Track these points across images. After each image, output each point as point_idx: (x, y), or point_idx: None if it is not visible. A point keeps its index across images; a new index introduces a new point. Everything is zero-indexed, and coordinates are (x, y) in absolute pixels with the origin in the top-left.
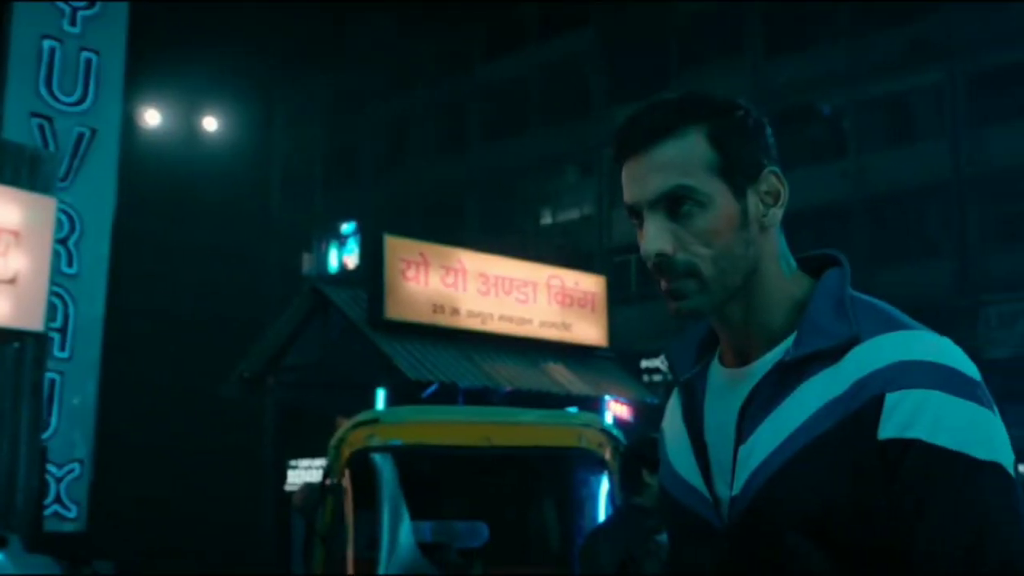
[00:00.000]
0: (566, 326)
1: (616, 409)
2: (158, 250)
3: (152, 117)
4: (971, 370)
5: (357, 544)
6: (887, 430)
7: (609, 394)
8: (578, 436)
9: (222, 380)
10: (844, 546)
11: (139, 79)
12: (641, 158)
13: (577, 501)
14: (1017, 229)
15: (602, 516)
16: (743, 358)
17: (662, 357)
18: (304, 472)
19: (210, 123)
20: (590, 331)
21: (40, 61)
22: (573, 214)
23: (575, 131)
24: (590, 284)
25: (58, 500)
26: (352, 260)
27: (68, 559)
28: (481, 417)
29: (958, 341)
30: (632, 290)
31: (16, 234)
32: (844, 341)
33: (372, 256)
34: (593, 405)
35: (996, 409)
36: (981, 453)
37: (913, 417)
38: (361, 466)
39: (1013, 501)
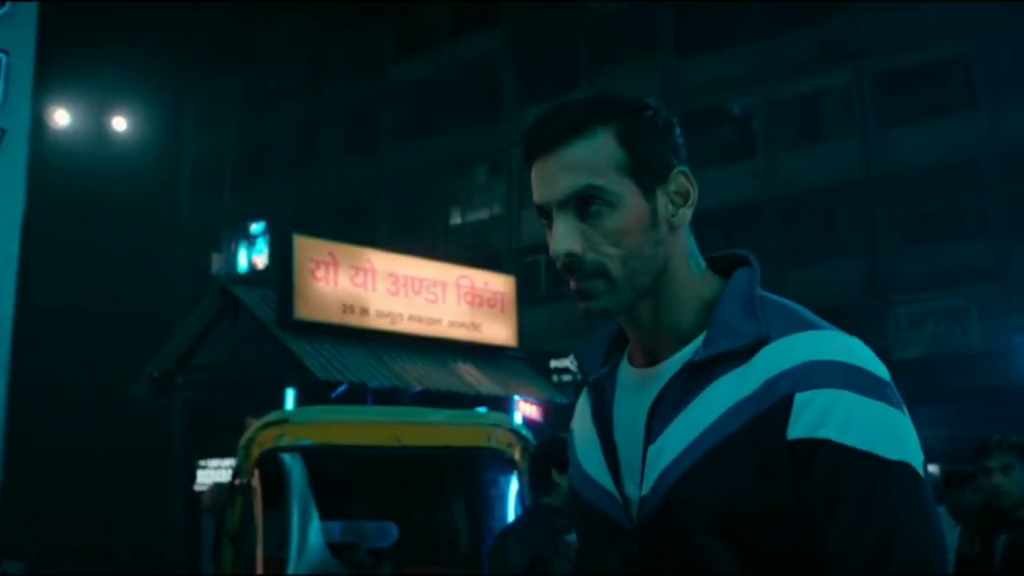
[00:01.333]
0: (475, 326)
1: (525, 409)
2: (68, 250)
3: (62, 117)
4: (881, 370)
5: (266, 544)
6: (797, 430)
7: (518, 394)
8: (487, 436)
9: (132, 380)
10: (753, 546)
11: (48, 79)
12: (550, 158)
13: (487, 501)
14: (926, 229)
15: (511, 516)
16: (652, 358)
17: (571, 357)
18: (214, 472)
19: (119, 123)
20: (499, 331)
21: None
22: (483, 214)
23: (486, 131)
24: (499, 284)
25: None
26: (261, 260)
27: None
28: (390, 417)
29: (868, 341)
30: (541, 290)
31: None
32: (754, 341)
33: (281, 256)
34: (502, 405)
35: (906, 409)
36: (890, 453)
37: (823, 417)
38: (270, 466)
39: (922, 501)
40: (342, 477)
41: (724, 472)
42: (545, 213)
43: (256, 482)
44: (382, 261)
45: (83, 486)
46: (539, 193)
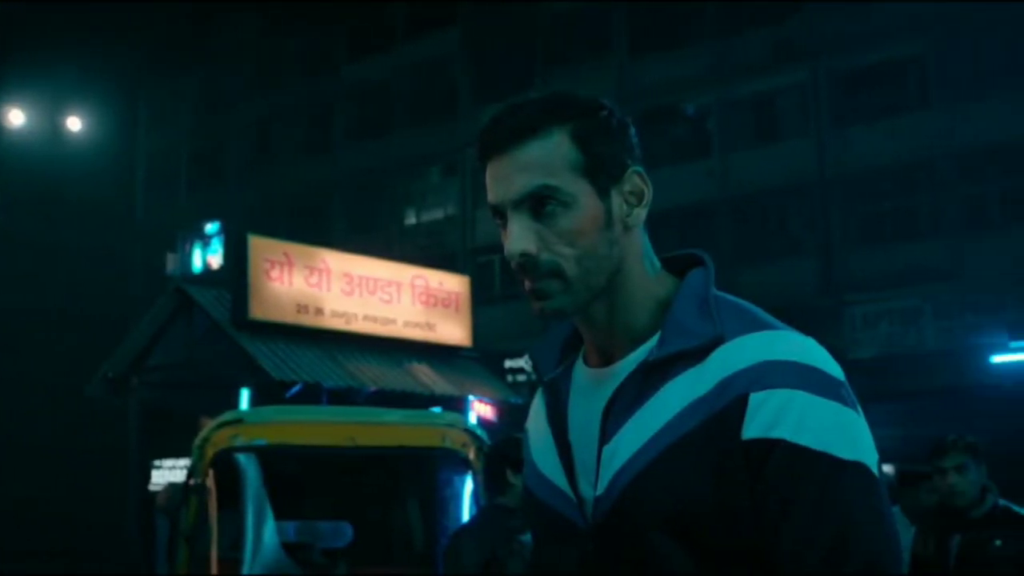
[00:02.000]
0: (430, 326)
1: (480, 409)
2: (22, 249)
3: (16, 117)
4: (835, 370)
5: (221, 544)
6: (751, 430)
7: (473, 394)
8: (442, 436)
9: (87, 380)
10: (708, 546)
11: (2, 79)
12: (505, 158)
13: (441, 501)
14: (881, 229)
15: (466, 516)
16: (607, 358)
17: (526, 357)
18: (168, 472)
19: (74, 123)
20: (454, 331)
21: None
22: (437, 214)
23: (441, 131)
24: (454, 284)
25: None
26: (216, 260)
27: None
28: (345, 417)
29: (822, 341)
30: (496, 290)
31: None
32: (708, 341)
33: (236, 256)
34: (457, 405)
35: (860, 409)
36: (845, 453)
37: (777, 417)
38: (225, 466)
39: (876, 501)
40: (297, 477)
41: (678, 472)
42: (500, 213)
43: (211, 482)
44: (337, 261)
45: (40, 486)
46: (494, 193)
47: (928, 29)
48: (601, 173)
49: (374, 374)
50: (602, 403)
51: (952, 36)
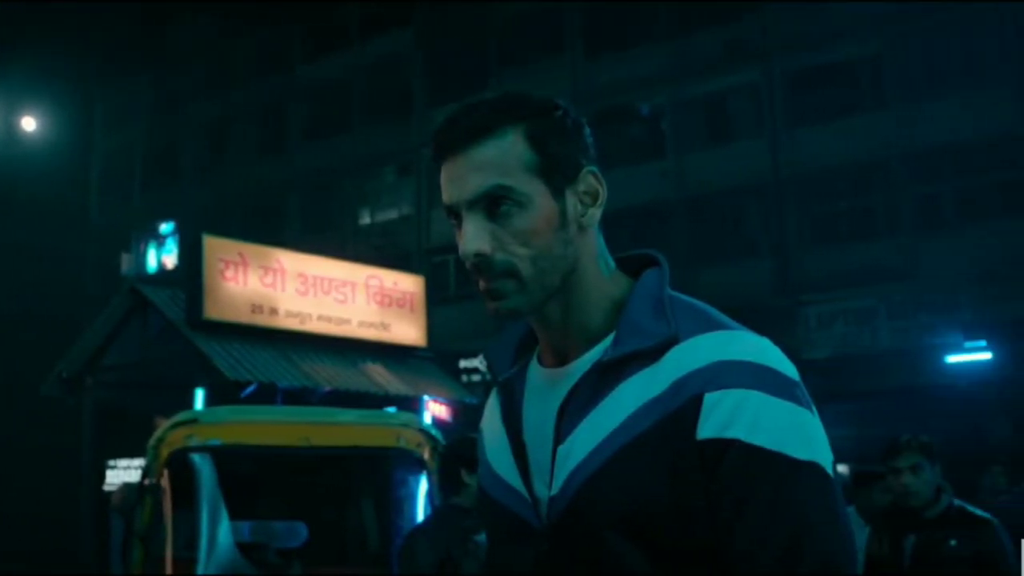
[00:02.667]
0: (385, 326)
1: (435, 409)
2: None
3: None
4: (790, 370)
5: (176, 544)
6: (706, 430)
7: (428, 394)
8: (397, 436)
9: (41, 379)
10: (662, 546)
11: None
12: (460, 158)
13: (396, 501)
14: (835, 229)
15: (421, 516)
16: (562, 358)
17: (481, 357)
18: (123, 472)
19: (28, 123)
20: (409, 331)
21: None
22: (392, 214)
23: (396, 131)
24: (409, 284)
25: None
26: (171, 260)
27: None
28: (300, 417)
29: (777, 341)
30: (451, 290)
31: None
32: (663, 341)
33: (190, 256)
34: (412, 405)
35: (815, 409)
36: (799, 453)
37: (732, 417)
38: (180, 466)
39: (831, 501)
40: (251, 477)
41: (633, 472)
42: (454, 213)
43: (165, 482)
44: (291, 261)
45: None
46: (448, 193)
47: (881, 29)
48: (556, 173)
49: (329, 374)
50: (557, 403)
51: (906, 36)
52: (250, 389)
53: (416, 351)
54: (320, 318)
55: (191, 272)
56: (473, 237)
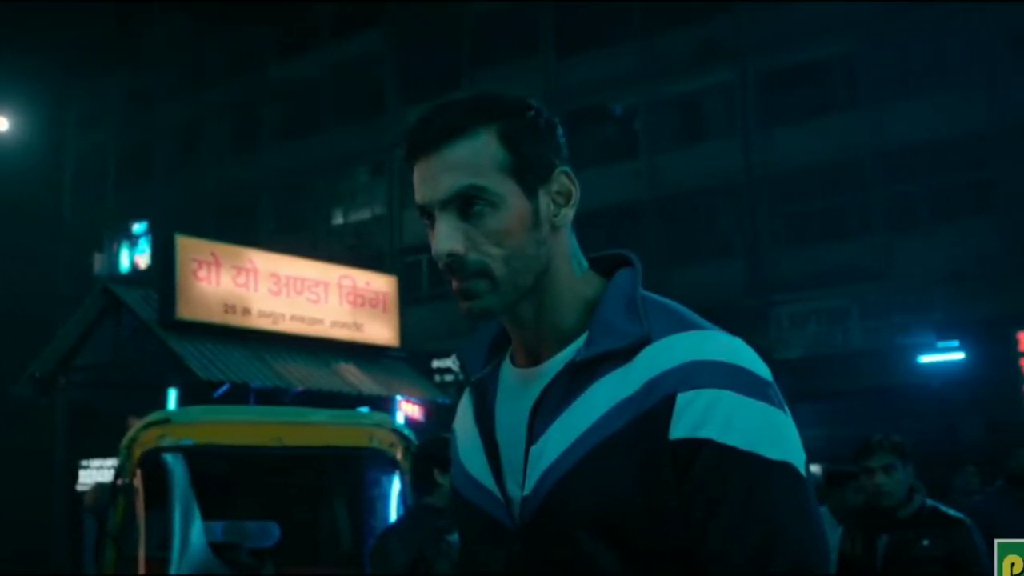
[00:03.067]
0: (357, 326)
1: (408, 409)
2: None
3: None
4: (762, 370)
5: (149, 544)
6: (678, 430)
7: (400, 394)
8: (369, 436)
9: (13, 379)
10: (635, 546)
11: None
12: (432, 158)
13: (369, 501)
14: (808, 229)
15: (393, 516)
16: (535, 358)
17: (453, 357)
18: (96, 472)
19: (1, 123)
20: (381, 331)
21: None
22: (365, 214)
23: (368, 131)
24: (381, 284)
25: None
26: (144, 260)
27: None
28: (272, 417)
29: (750, 341)
30: (423, 290)
31: None
32: (635, 341)
33: (163, 256)
34: (384, 405)
35: (787, 409)
36: (772, 453)
37: (704, 417)
38: (153, 466)
39: (804, 501)
40: (224, 477)
41: (606, 472)
42: (427, 213)
43: (138, 482)
44: (264, 261)
45: None
46: (421, 193)
47: (854, 29)
48: (528, 173)
49: (301, 374)
50: (529, 403)
51: (878, 36)
52: (223, 389)
53: (389, 351)
54: (293, 318)
55: (164, 272)
56: (446, 237)
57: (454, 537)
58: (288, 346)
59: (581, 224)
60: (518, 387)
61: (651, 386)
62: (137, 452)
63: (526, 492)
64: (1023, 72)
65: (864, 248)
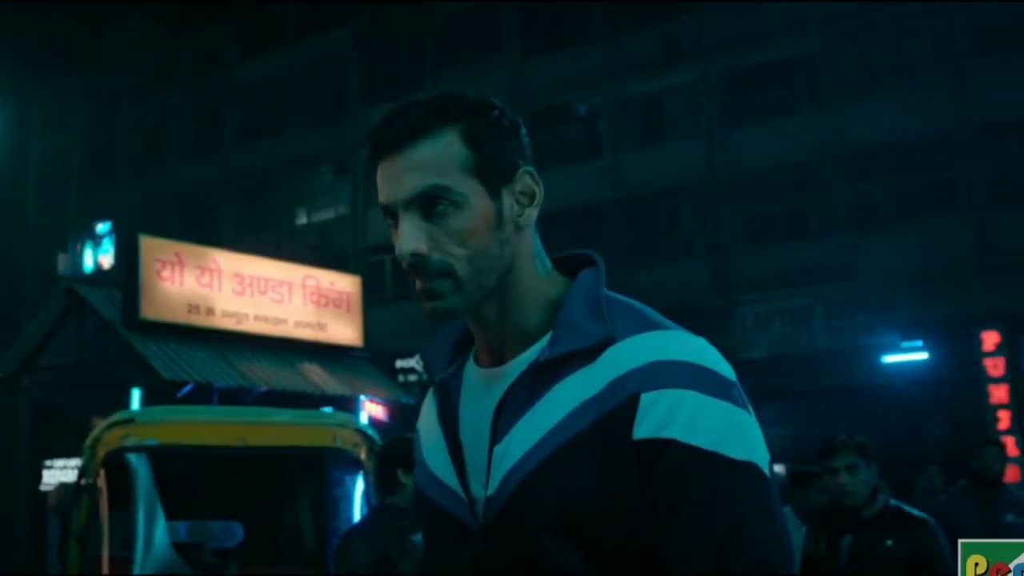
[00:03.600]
0: (321, 326)
1: (371, 409)
2: None
3: None
4: (726, 370)
5: (112, 544)
6: (642, 430)
7: (364, 394)
8: (333, 436)
9: None
10: (599, 546)
11: None
12: (396, 158)
13: (333, 501)
14: (771, 229)
15: (357, 516)
16: (498, 358)
17: (417, 357)
18: (60, 472)
19: None
20: (345, 331)
21: None
22: (328, 214)
23: (331, 131)
24: (345, 284)
25: None
26: (107, 260)
27: None
28: (236, 417)
29: (714, 341)
30: (387, 290)
31: None
32: (599, 341)
33: (127, 256)
34: (348, 405)
35: (751, 409)
36: (736, 453)
37: (668, 417)
38: (116, 466)
39: (767, 501)
40: (188, 477)
41: (570, 472)
42: (391, 213)
43: (102, 482)
44: (228, 261)
45: None
46: (385, 193)
47: (817, 29)
48: (492, 173)
49: (265, 374)
50: (493, 403)
51: (842, 36)
52: (186, 389)
53: (353, 351)
54: (257, 318)
55: (127, 272)
56: (409, 237)
57: (418, 537)
58: (252, 346)
59: (545, 224)
60: (482, 387)
61: (615, 386)
62: (101, 452)
63: (490, 492)
64: (988, 72)
65: (828, 248)
